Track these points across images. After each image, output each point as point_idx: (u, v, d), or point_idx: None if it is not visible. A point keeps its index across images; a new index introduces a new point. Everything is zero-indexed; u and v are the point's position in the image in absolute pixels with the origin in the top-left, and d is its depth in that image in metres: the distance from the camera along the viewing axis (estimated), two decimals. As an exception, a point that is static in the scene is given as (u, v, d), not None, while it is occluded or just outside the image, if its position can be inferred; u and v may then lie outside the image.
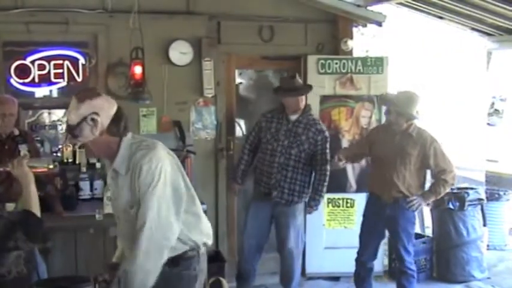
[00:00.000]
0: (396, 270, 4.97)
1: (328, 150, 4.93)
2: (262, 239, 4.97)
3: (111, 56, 5.32)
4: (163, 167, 2.71)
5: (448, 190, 4.82)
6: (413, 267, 4.84)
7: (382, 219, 4.78)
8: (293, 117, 4.89)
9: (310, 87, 5.11)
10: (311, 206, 4.98)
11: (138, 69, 5.18)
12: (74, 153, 5.20)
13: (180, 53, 5.46)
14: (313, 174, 4.94)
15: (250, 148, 5.09)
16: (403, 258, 4.78)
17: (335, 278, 5.78)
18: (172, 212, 2.72)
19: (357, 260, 4.97)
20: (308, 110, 4.96)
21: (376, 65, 5.85)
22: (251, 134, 5.13)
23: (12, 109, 4.55)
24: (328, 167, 4.91)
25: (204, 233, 2.92)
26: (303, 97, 4.91)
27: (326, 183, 4.93)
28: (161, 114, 5.45)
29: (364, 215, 4.98)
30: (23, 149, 4.37)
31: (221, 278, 5.06)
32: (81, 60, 5.26)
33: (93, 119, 2.68)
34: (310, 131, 4.87)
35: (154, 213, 2.67)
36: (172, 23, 5.41)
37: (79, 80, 5.27)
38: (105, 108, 2.73)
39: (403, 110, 4.61)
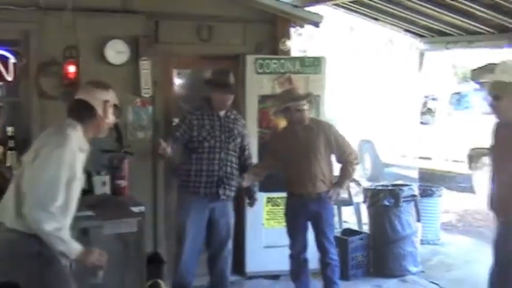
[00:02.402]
0: (321, 262, 5.07)
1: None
2: (201, 247, 4.90)
3: (44, 54, 5.15)
4: None
5: (356, 169, 5.11)
6: (336, 257, 5.04)
7: (306, 215, 4.94)
8: (222, 113, 4.87)
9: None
10: (256, 199, 5.09)
11: (72, 69, 5.07)
12: (5, 155, 5.03)
13: (117, 52, 5.34)
14: (245, 168, 4.97)
15: (174, 142, 4.76)
16: (328, 250, 4.95)
17: (275, 277, 5.81)
18: None
19: (290, 255, 5.08)
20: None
21: (314, 65, 5.91)
22: (178, 130, 4.82)
23: None
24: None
25: None
26: (232, 96, 4.87)
27: None
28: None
29: (286, 214, 5.10)
30: None
31: (159, 280, 5.01)
32: (12, 59, 5.09)
33: None
34: (238, 125, 4.94)
35: None
36: (108, 21, 5.30)
37: (9, 79, 5.10)
38: None
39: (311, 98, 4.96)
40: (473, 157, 4.18)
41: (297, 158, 4.87)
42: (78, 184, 3.22)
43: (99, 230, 4.27)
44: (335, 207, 7.07)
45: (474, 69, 9.21)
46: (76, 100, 3.37)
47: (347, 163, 4.97)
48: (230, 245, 4.94)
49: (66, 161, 3.10)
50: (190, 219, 4.80)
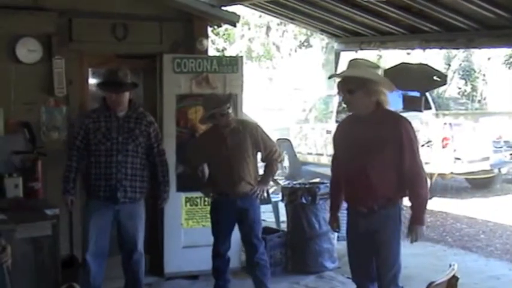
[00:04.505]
0: (249, 263, 5.11)
1: (161, 141, 4.98)
2: (106, 249, 4.77)
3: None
4: None
5: (279, 167, 5.26)
6: (266, 257, 5.09)
7: (234, 213, 4.99)
8: (121, 114, 4.72)
9: (135, 84, 4.93)
10: (164, 198, 4.96)
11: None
12: None
13: (28, 51, 5.19)
14: (155, 167, 4.88)
15: (78, 154, 4.75)
16: (257, 248, 5.00)
17: (194, 277, 5.80)
18: None
19: (214, 252, 5.08)
20: (135, 105, 4.86)
21: (231, 64, 5.94)
22: (77, 138, 4.75)
23: None
24: (166, 157, 4.97)
25: None
26: (127, 94, 4.72)
27: (169, 173, 5.00)
28: (8, 115, 5.16)
29: (213, 211, 5.12)
30: None
31: (74, 284, 4.88)
32: None
33: None
34: (142, 124, 4.78)
35: None
36: (18, 18, 5.13)
37: None
38: None
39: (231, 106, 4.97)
40: None
41: (225, 161, 4.90)
42: None
43: (12, 233, 4.14)
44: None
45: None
46: None
47: (272, 161, 5.12)
48: (140, 248, 4.83)
49: None
50: (91, 223, 4.69)
